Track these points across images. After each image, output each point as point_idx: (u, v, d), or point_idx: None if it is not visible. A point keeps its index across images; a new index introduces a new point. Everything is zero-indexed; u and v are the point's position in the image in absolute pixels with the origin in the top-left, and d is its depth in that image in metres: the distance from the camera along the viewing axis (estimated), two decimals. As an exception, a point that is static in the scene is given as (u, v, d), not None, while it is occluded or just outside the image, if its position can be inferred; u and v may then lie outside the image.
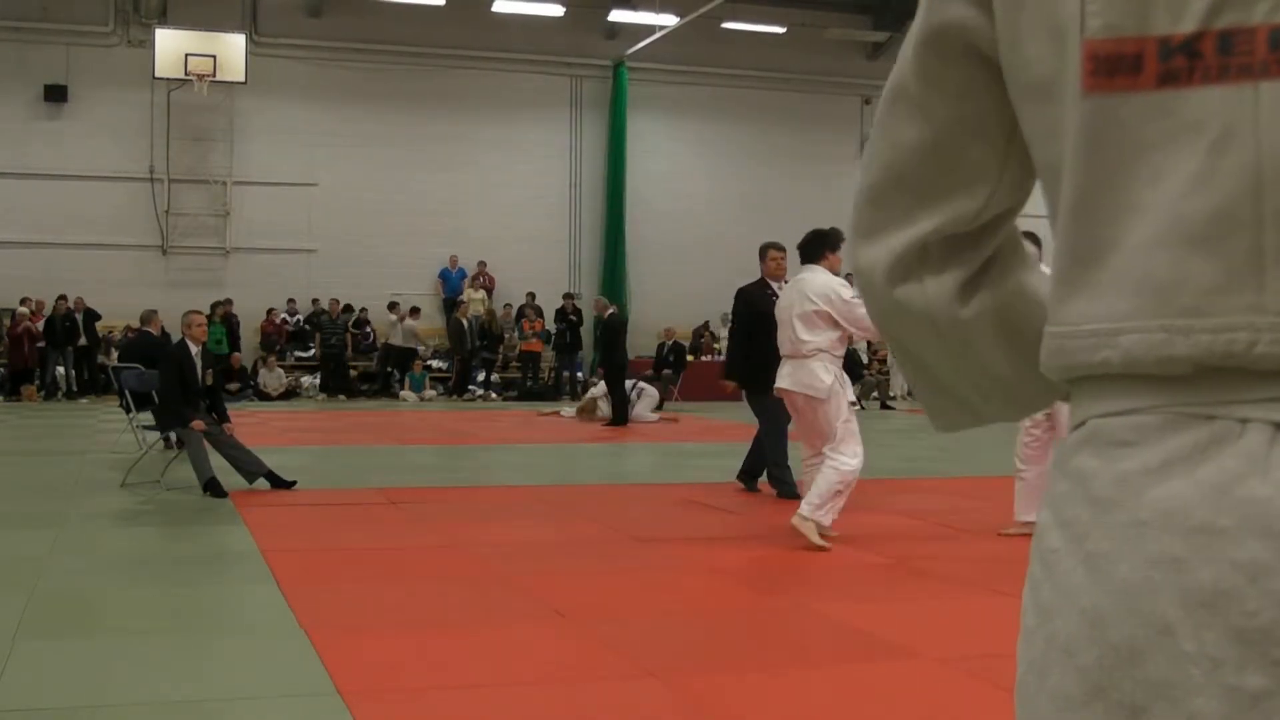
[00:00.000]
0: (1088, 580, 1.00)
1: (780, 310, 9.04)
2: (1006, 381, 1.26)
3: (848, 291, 8.57)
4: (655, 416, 20.98)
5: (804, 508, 8.22)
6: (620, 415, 19.72)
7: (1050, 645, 1.03)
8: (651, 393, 21.41)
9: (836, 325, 8.57)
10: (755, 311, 10.63)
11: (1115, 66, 0.99)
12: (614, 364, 20.38)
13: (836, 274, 8.90)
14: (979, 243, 1.21)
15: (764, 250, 11.02)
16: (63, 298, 24.98)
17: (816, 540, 8.07)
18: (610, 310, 21.82)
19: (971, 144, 1.17)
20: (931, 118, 1.17)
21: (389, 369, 27.09)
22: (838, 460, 8.23)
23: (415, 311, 27.18)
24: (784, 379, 8.75)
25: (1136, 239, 0.99)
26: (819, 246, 8.93)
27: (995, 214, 1.20)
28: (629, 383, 20.57)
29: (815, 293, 8.61)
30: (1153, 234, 0.98)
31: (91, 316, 25.08)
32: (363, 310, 27.76)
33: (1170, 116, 0.97)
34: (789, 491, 10.26)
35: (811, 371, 8.52)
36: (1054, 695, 1.02)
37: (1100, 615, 0.99)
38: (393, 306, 27.19)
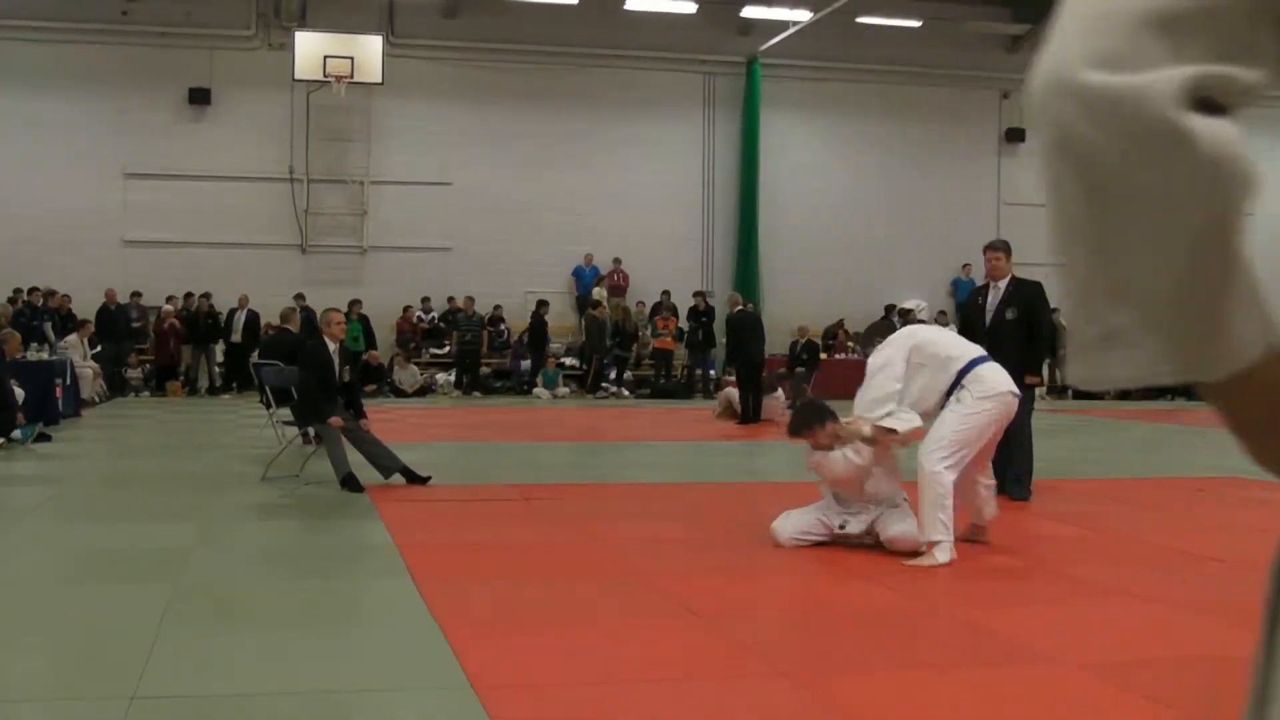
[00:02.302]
0: None
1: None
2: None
3: None
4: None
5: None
6: (752, 413, 19.50)
7: None
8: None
9: None
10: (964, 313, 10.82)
11: None
12: (741, 362, 20.13)
13: None
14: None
15: (983, 251, 10.97)
16: (205, 295, 25.57)
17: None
18: (739, 306, 21.59)
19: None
20: None
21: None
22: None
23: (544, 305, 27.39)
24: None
25: None
26: None
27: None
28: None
29: None
30: None
31: (253, 315, 25.56)
32: (497, 308, 27.98)
33: None
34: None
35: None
36: None
37: None
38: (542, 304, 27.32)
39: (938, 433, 7.92)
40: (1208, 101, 0.94)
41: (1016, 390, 8.13)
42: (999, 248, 10.69)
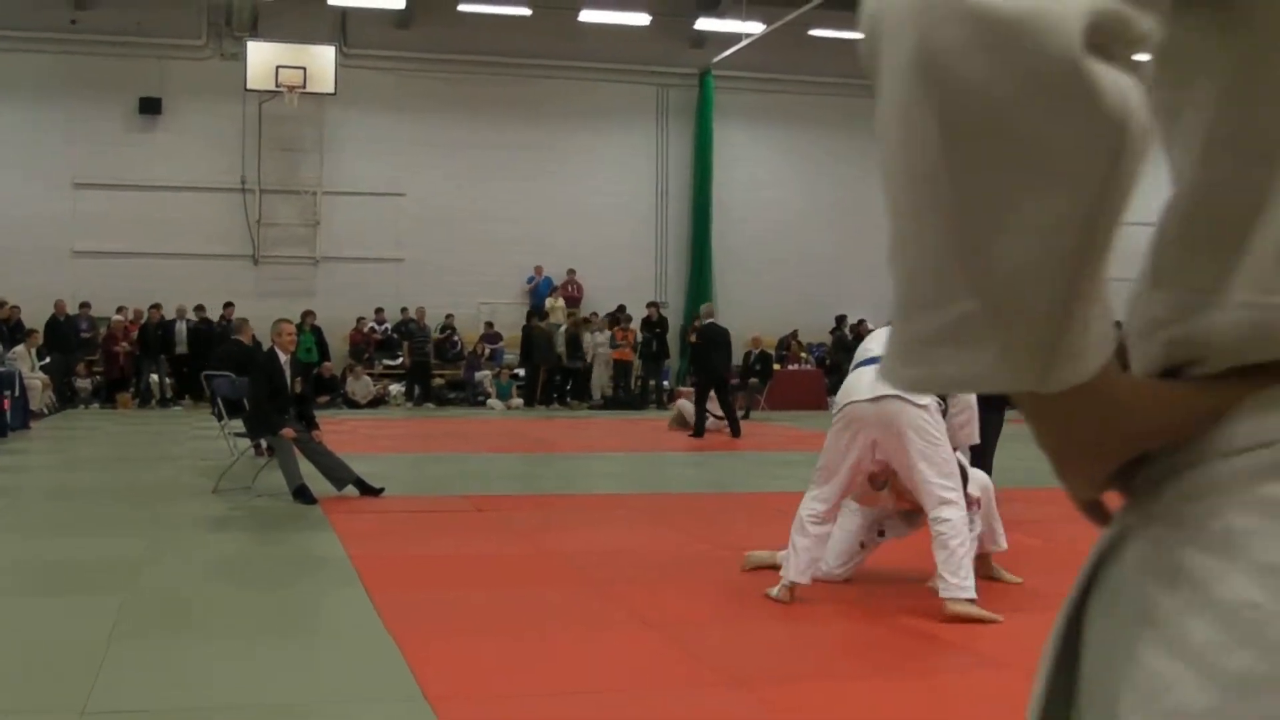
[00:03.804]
0: None
1: None
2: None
3: None
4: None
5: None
6: (698, 427, 19.26)
7: None
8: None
9: None
10: None
11: None
12: (711, 376, 19.87)
13: None
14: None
15: None
16: (156, 306, 25.37)
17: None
18: (709, 319, 21.43)
19: None
20: None
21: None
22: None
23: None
24: None
25: None
26: None
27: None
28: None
29: None
30: None
31: (207, 326, 25.35)
32: (449, 318, 27.92)
33: None
34: None
35: None
36: None
37: None
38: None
39: None
40: (1097, 46, 0.79)
41: (874, 394, 6.53)
42: None
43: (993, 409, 8.61)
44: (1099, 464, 0.94)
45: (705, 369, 19.71)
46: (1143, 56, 0.85)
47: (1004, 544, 7.40)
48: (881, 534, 7.49)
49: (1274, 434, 0.85)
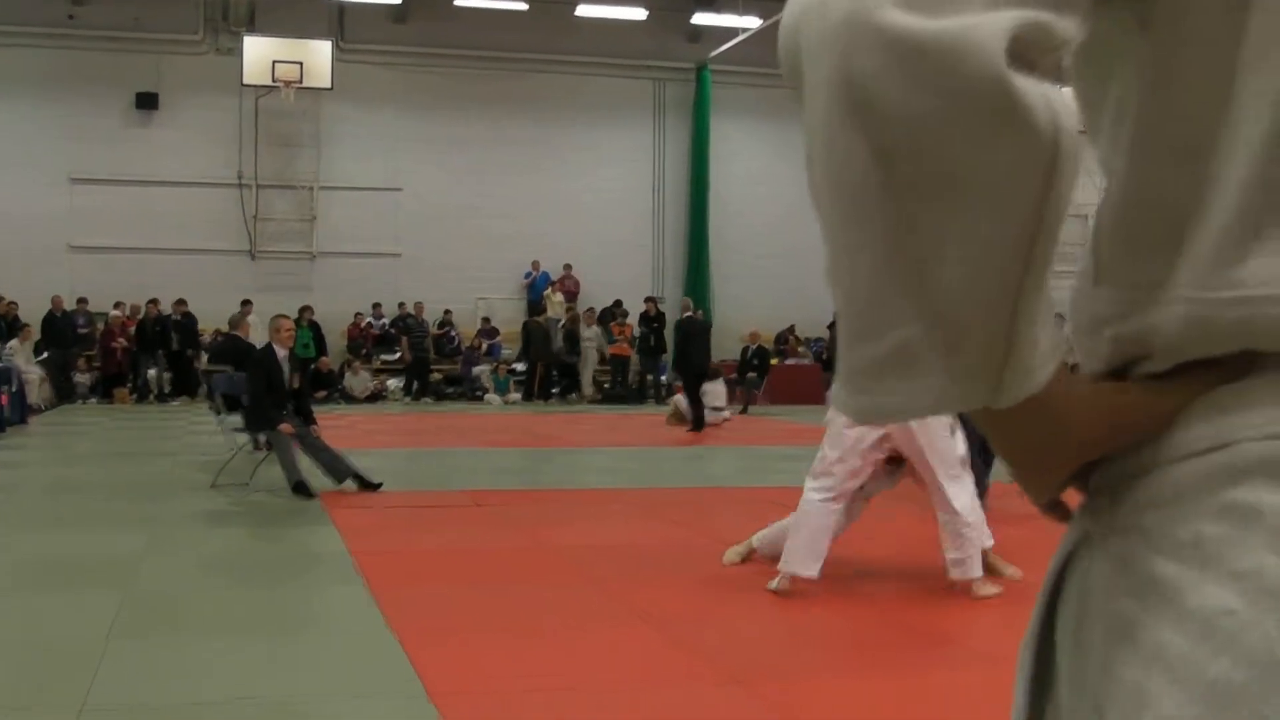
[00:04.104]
0: None
1: None
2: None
3: None
4: (720, 416, 20.80)
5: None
6: (697, 422, 19.32)
7: None
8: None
9: None
10: None
11: None
12: (685, 368, 20.01)
13: None
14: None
15: None
16: (153, 302, 25.36)
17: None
18: (687, 313, 21.51)
19: None
20: None
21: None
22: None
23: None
24: None
25: None
26: None
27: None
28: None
29: None
30: None
31: (191, 321, 25.41)
32: (447, 313, 27.92)
33: None
34: None
35: None
36: None
37: None
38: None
39: None
40: (1020, 59, 0.77)
41: None
42: None
43: None
44: (1054, 470, 0.94)
45: (683, 362, 19.79)
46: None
47: (990, 541, 7.40)
48: (862, 488, 7.40)
49: (1228, 435, 0.84)
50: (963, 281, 0.79)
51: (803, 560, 6.79)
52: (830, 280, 0.88)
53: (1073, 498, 1.00)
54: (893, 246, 0.81)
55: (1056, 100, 0.78)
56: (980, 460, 10.09)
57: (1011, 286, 0.80)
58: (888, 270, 0.81)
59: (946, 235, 0.79)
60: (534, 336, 26.73)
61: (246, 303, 24.52)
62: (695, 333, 20.09)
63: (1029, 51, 0.77)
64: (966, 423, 9.91)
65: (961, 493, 6.72)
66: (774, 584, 6.91)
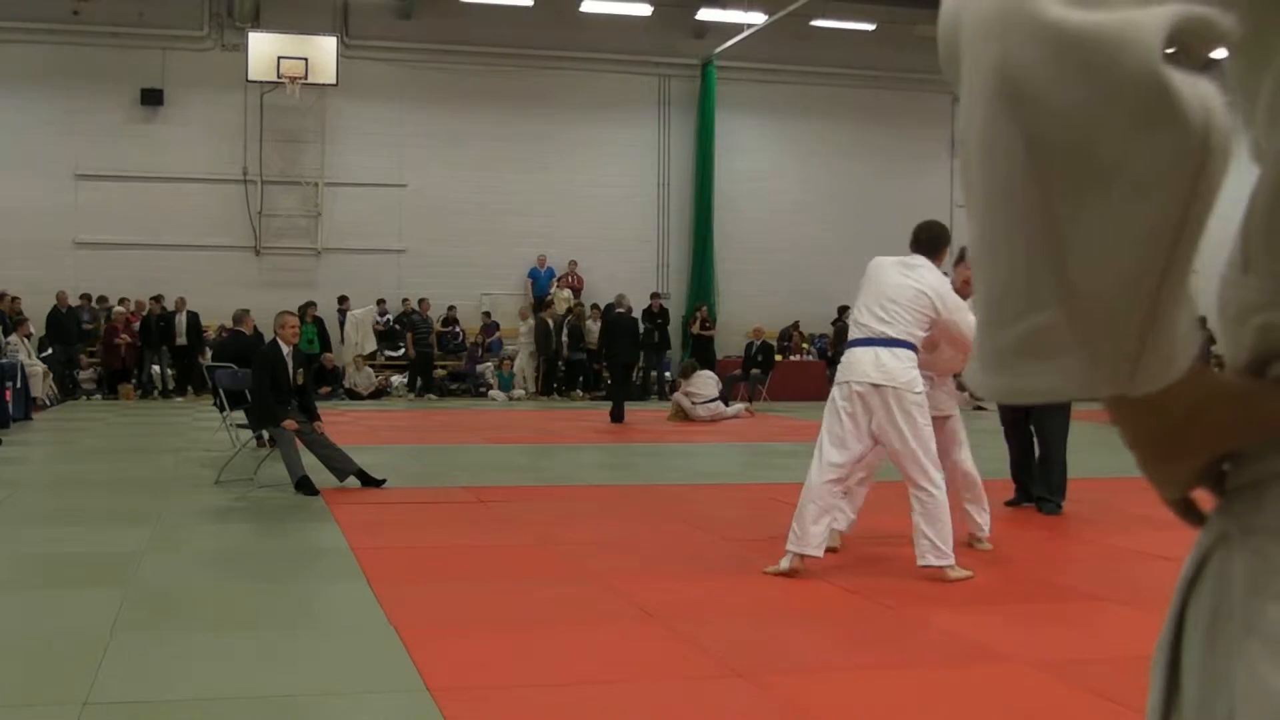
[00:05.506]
0: None
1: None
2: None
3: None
4: (733, 411, 20.97)
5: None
6: (616, 415, 19.80)
7: None
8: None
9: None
10: None
11: None
12: (613, 362, 20.38)
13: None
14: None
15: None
16: (157, 298, 25.37)
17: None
18: (619, 309, 21.75)
19: None
20: None
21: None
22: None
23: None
24: None
25: None
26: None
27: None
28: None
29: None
30: None
31: (194, 317, 25.44)
32: (451, 309, 27.92)
33: None
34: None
35: None
36: None
37: None
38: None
39: None
40: (1176, 55, 0.79)
41: (877, 381, 7.02)
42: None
43: (1059, 407, 8.71)
44: (1185, 459, 0.94)
45: (611, 356, 20.17)
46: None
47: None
48: (862, 481, 7.91)
49: None
50: (1106, 270, 0.81)
51: (809, 539, 7.07)
52: (974, 262, 0.89)
53: (1205, 501, 0.99)
54: (1038, 233, 0.82)
55: (1210, 97, 0.79)
56: (1023, 473, 10.18)
57: (1154, 277, 0.81)
58: (1033, 256, 0.83)
59: (1093, 225, 0.81)
60: (538, 332, 26.74)
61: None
62: (623, 325, 20.35)
63: (1189, 46, 0.80)
64: (1009, 436, 10.11)
65: (939, 485, 7.03)
66: (783, 565, 7.18)
